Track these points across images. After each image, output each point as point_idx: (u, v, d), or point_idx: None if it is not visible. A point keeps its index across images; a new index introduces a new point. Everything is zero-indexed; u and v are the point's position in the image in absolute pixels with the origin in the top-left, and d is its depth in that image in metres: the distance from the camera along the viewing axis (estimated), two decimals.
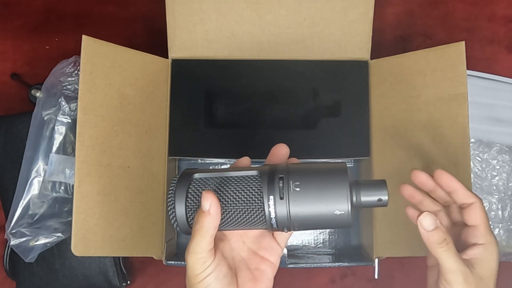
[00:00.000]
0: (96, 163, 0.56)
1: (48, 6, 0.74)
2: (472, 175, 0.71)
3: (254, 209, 0.42)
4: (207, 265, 0.42)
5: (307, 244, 0.70)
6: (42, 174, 0.63)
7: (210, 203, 0.40)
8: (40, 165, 0.63)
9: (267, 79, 0.66)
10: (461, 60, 0.58)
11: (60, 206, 0.64)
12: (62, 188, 0.64)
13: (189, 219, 0.43)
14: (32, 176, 0.62)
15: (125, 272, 0.68)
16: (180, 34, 0.65)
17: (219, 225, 0.42)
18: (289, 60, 0.66)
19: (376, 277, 0.63)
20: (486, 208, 0.70)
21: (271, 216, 0.41)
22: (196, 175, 0.43)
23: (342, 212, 0.40)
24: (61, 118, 0.64)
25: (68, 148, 0.64)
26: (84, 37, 0.56)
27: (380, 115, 0.64)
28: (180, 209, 0.42)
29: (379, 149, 0.64)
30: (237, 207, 0.42)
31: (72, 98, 0.64)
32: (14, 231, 0.62)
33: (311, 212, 0.41)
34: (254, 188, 0.42)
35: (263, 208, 0.41)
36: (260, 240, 0.46)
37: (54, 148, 0.63)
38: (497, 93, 0.72)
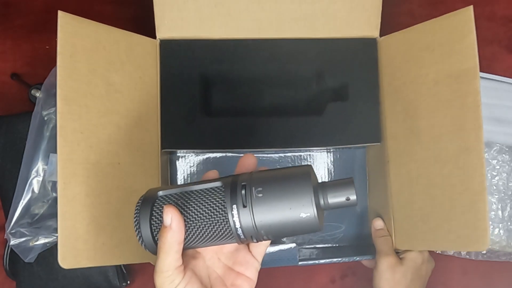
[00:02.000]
0: (82, 161, 0.50)
1: (48, 6, 0.74)
2: None
3: (219, 222, 0.40)
4: (176, 284, 0.40)
5: (318, 237, 0.69)
6: (42, 174, 0.62)
7: (171, 217, 0.39)
8: (40, 165, 0.63)
9: (267, 60, 0.61)
10: (469, 29, 0.52)
11: None
12: None
13: (155, 239, 0.41)
14: (32, 176, 0.62)
15: (125, 272, 0.68)
16: (169, 12, 0.58)
17: (187, 242, 0.41)
18: (291, 39, 0.61)
19: None
20: None
21: (237, 227, 0.39)
22: (160, 192, 0.42)
23: (308, 214, 0.39)
24: None
25: None
26: (60, 13, 0.49)
27: (390, 98, 0.60)
28: (145, 229, 0.41)
29: (392, 134, 0.61)
30: (202, 222, 0.40)
31: None
32: (14, 231, 0.62)
33: (276, 217, 0.39)
34: (217, 199, 0.40)
35: (228, 219, 0.39)
36: (235, 255, 0.45)
37: (54, 148, 0.63)
38: (497, 93, 0.72)
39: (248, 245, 0.45)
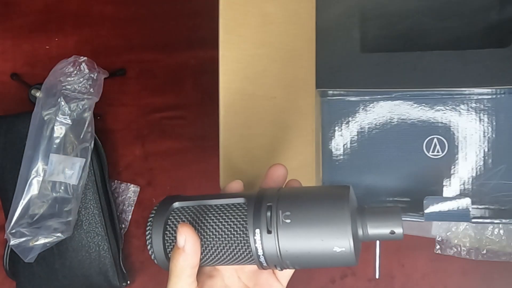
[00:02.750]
0: (239, 91, 0.51)
1: (48, 6, 0.74)
2: None
3: (240, 245, 0.36)
4: None
5: (490, 197, 0.57)
6: (42, 174, 0.62)
7: (185, 238, 0.35)
8: (40, 165, 0.63)
9: None
10: None
11: (60, 206, 0.64)
12: (62, 188, 0.64)
13: (168, 254, 0.38)
14: (32, 176, 0.62)
15: (125, 272, 0.68)
16: None
17: (203, 261, 0.37)
18: None
19: (377, 276, 0.63)
20: None
21: (259, 253, 0.35)
22: (176, 204, 0.38)
23: (343, 249, 0.34)
24: (60, 118, 0.63)
25: (68, 148, 0.64)
26: None
27: None
28: (158, 243, 0.38)
29: None
30: (220, 242, 0.36)
31: (72, 98, 0.64)
32: (13, 231, 0.62)
33: (305, 248, 0.34)
34: (238, 219, 0.36)
35: (249, 243, 0.35)
36: (258, 275, 0.41)
37: (54, 148, 0.63)
38: None
39: None
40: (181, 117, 0.73)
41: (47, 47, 0.73)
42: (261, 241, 0.35)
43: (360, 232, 0.35)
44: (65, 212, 0.64)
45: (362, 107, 0.58)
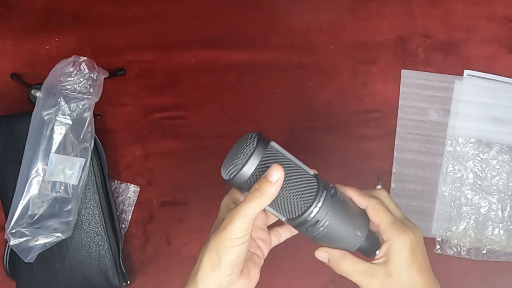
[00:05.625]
0: None
1: (48, 6, 0.74)
2: (472, 175, 0.71)
3: (303, 200, 0.44)
4: (248, 232, 0.42)
5: None
6: (42, 174, 0.63)
7: (279, 177, 0.41)
8: (40, 165, 0.63)
9: None
10: None
11: (60, 206, 0.64)
12: (62, 188, 0.64)
13: (250, 180, 0.43)
14: (32, 176, 0.62)
15: (125, 272, 0.68)
16: None
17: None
18: None
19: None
20: (486, 208, 0.70)
21: (311, 214, 0.45)
22: (273, 143, 0.45)
23: (360, 235, 0.47)
24: (60, 118, 0.63)
25: (68, 148, 0.64)
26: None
27: None
28: (250, 167, 0.43)
29: None
30: (291, 193, 0.44)
31: (72, 98, 0.64)
32: (13, 231, 0.62)
33: (342, 220, 0.46)
34: (309, 184, 0.45)
35: (312, 202, 0.44)
36: (258, 231, 0.50)
37: (54, 148, 0.63)
38: (497, 93, 0.72)
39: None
40: (181, 117, 0.73)
41: (47, 47, 0.73)
42: (321, 204, 0.45)
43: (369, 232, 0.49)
44: (65, 212, 0.64)
45: None
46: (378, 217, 0.48)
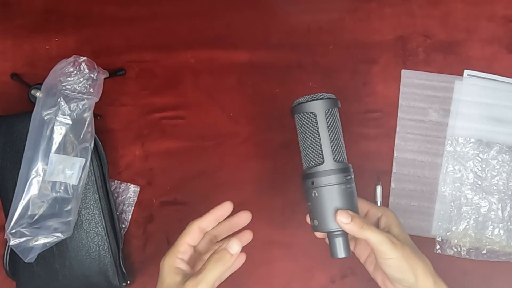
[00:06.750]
0: None
1: (48, 6, 0.74)
2: (472, 175, 0.71)
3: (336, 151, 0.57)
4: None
5: None
6: (42, 174, 0.62)
7: (238, 251, 0.52)
8: (40, 165, 0.63)
9: None
10: None
11: (60, 206, 0.64)
12: (62, 188, 0.64)
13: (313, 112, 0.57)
14: (32, 176, 0.62)
15: (125, 272, 0.68)
16: None
17: None
18: None
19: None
20: (486, 208, 0.70)
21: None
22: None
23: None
24: (60, 118, 0.63)
25: (68, 148, 0.64)
26: None
27: None
28: (325, 103, 0.58)
29: None
30: (336, 139, 0.57)
31: (72, 98, 0.64)
32: (13, 231, 0.62)
33: (345, 196, 0.56)
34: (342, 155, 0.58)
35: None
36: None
37: (54, 148, 0.63)
38: (497, 93, 0.72)
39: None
40: (181, 117, 0.73)
41: (47, 47, 0.73)
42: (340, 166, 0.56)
43: None
44: (65, 212, 0.64)
45: None
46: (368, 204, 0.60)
